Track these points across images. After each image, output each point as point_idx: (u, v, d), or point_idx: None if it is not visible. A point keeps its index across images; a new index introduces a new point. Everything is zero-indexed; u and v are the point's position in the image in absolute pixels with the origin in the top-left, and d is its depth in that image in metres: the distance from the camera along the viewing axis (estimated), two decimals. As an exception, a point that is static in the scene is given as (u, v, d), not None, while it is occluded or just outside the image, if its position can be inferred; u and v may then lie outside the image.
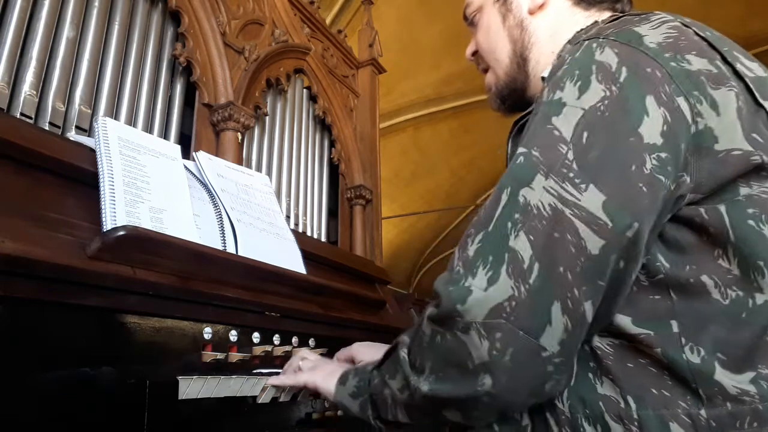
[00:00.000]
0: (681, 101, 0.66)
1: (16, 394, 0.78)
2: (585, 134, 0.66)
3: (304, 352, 1.15)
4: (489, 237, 0.66)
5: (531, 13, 0.96)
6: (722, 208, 0.66)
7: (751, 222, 0.65)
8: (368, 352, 1.12)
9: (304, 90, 2.23)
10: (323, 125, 2.30)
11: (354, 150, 2.38)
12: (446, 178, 8.55)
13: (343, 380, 0.91)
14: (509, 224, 0.65)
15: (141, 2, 1.53)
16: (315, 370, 1.01)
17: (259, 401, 1.04)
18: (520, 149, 0.71)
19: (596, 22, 0.88)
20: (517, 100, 1.01)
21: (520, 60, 0.97)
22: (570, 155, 0.65)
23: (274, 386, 1.07)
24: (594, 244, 0.62)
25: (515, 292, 0.62)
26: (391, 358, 0.81)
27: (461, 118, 7.34)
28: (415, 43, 6.08)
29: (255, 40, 1.89)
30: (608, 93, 0.67)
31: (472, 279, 0.64)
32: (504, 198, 0.68)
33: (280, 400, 1.09)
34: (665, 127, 0.65)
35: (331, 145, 2.33)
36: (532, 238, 0.63)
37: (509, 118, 1.00)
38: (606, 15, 0.90)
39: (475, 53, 1.07)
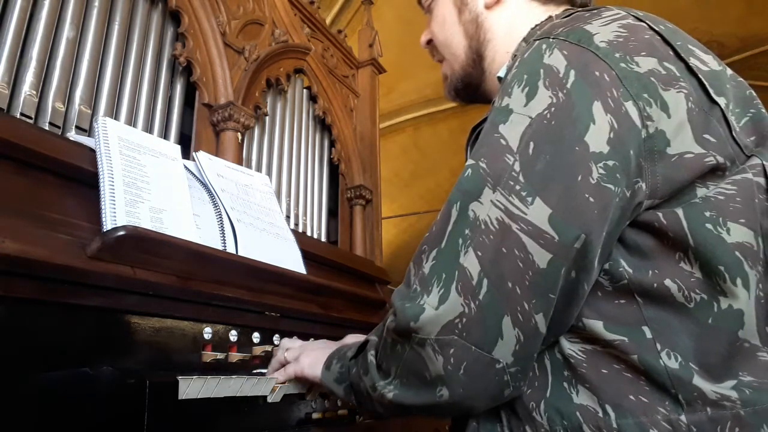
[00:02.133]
0: (629, 105, 0.64)
1: (16, 393, 0.78)
2: (531, 144, 0.64)
3: (284, 342, 1.14)
4: (442, 254, 0.67)
5: (488, 7, 0.92)
6: (679, 212, 0.64)
7: (708, 225, 0.64)
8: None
9: (304, 90, 2.23)
10: (323, 125, 2.30)
11: (354, 150, 2.38)
12: (446, 178, 8.54)
13: (327, 365, 0.93)
14: (460, 240, 0.65)
15: (141, 2, 1.53)
16: (299, 360, 1.02)
17: (270, 400, 1.04)
18: (469, 161, 0.70)
19: (550, 17, 0.85)
20: (471, 93, 0.99)
21: (476, 56, 0.94)
22: (516, 167, 0.64)
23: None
24: (541, 257, 0.62)
25: (465, 308, 0.63)
26: (362, 355, 0.83)
27: (461, 118, 7.34)
28: (415, 43, 6.04)
29: (255, 40, 1.89)
30: (555, 100, 0.65)
31: (427, 297, 0.65)
32: (454, 213, 0.67)
33: (288, 393, 1.09)
34: (612, 134, 0.63)
35: (331, 145, 2.33)
36: (480, 253, 0.64)
37: (466, 107, 1.00)
38: (561, 9, 0.87)
39: (429, 42, 1.04)
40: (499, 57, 0.92)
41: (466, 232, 0.65)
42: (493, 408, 0.73)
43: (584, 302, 0.67)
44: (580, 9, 0.79)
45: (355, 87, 2.58)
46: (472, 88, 0.98)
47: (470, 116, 7.26)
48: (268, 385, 1.03)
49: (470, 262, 0.64)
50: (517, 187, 0.64)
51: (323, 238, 2.14)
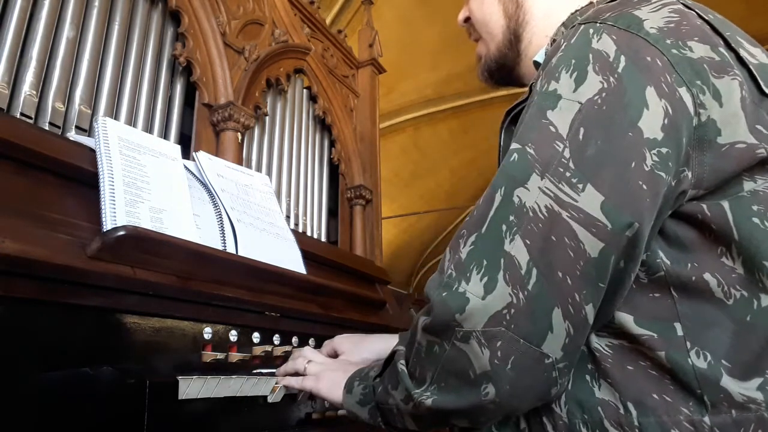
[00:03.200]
0: (683, 91, 0.62)
1: (16, 394, 0.78)
2: (582, 130, 0.62)
3: (307, 351, 1.11)
4: (482, 239, 0.64)
5: None
6: (725, 205, 0.63)
7: (755, 219, 0.62)
8: (349, 344, 1.13)
9: (304, 90, 2.23)
10: (323, 125, 2.30)
11: (354, 150, 2.38)
12: (446, 178, 8.55)
13: (349, 388, 0.89)
14: (504, 227, 0.63)
15: (141, 2, 1.53)
16: (320, 379, 0.98)
17: (270, 400, 1.04)
18: (514, 145, 0.67)
19: (592, 2, 0.84)
20: (504, 75, 0.98)
21: (513, 38, 0.93)
22: (566, 153, 0.62)
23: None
24: (593, 246, 0.60)
25: (514, 299, 0.60)
26: (390, 369, 0.79)
27: (461, 118, 7.35)
28: (415, 43, 6.07)
29: (255, 40, 1.89)
30: (606, 85, 0.63)
31: (466, 284, 0.62)
32: (498, 198, 0.65)
33: (299, 397, 1.08)
34: (666, 120, 0.61)
35: (331, 145, 2.33)
36: (528, 242, 0.61)
37: (495, 89, 0.98)
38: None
39: (467, 20, 1.02)
40: (536, 40, 0.91)
41: (511, 218, 0.63)
42: None
43: None
44: None
45: (355, 87, 2.58)
46: (506, 70, 0.97)
47: (470, 116, 7.27)
48: (268, 385, 1.03)
49: (518, 250, 0.61)
50: (567, 174, 0.61)
51: (323, 238, 2.14)
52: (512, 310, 0.60)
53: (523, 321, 0.60)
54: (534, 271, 0.60)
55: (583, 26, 0.69)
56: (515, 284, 0.60)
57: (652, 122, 0.61)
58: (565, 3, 0.87)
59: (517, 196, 0.63)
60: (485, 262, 0.62)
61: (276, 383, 1.04)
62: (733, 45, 0.68)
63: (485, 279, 0.62)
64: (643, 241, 0.62)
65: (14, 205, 0.90)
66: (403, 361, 0.75)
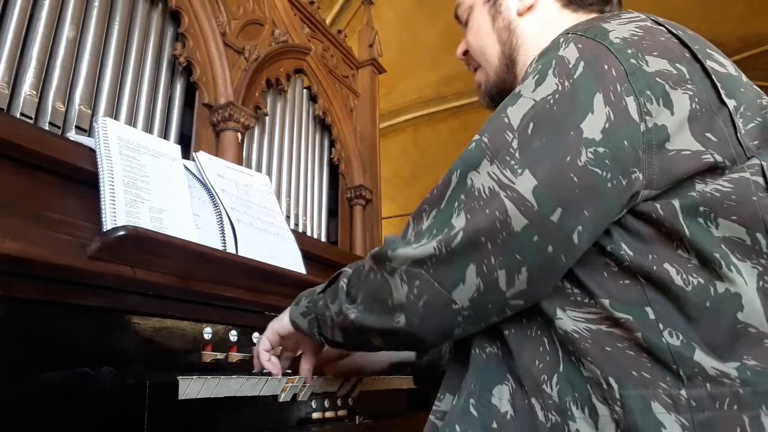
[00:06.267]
0: (630, 100, 0.68)
1: (16, 393, 0.78)
2: (531, 125, 0.70)
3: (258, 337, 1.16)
4: (441, 214, 0.74)
5: (520, 14, 0.98)
6: (676, 204, 0.68)
7: (700, 220, 0.68)
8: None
9: (304, 90, 2.23)
10: (323, 125, 2.30)
11: (354, 150, 2.38)
12: (446, 178, 8.55)
13: (296, 302, 1.00)
14: (456, 204, 0.73)
15: (141, 2, 1.53)
16: (280, 317, 1.07)
17: (280, 400, 1.05)
18: (475, 136, 0.76)
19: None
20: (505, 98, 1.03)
21: (509, 62, 1.00)
22: (515, 144, 0.70)
23: (274, 374, 1.07)
24: (518, 222, 0.67)
25: (437, 252, 0.71)
26: (333, 286, 0.90)
27: (461, 118, 7.34)
28: (415, 43, 6.07)
29: (255, 40, 1.90)
30: (560, 87, 0.71)
31: (416, 244, 0.74)
32: (454, 179, 0.74)
33: (300, 397, 1.09)
34: (607, 125, 0.68)
35: (331, 145, 2.33)
36: (468, 216, 0.71)
37: (466, 107, 1.05)
38: (591, 16, 0.92)
39: (466, 53, 1.10)
40: (530, 61, 0.95)
41: (462, 197, 0.72)
42: (497, 375, 0.77)
43: (593, 281, 0.71)
44: (606, 14, 0.85)
45: (355, 87, 2.58)
46: (506, 93, 1.02)
47: (470, 116, 7.26)
48: (268, 385, 1.03)
49: (458, 221, 0.71)
50: (512, 162, 0.70)
51: (323, 238, 2.14)
52: (434, 259, 0.71)
53: (441, 269, 0.71)
54: (461, 234, 0.70)
55: (558, 38, 0.77)
56: (442, 242, 0.71)
57: (593, 125, 0.68)
58: (557, 25, 0.93)
59: (470, 178, 0.73)
60: (435, 231, 0.73)
61: (286, 383, 1.05)
62: (699, 57, 0.74)
63: (425, 240, 0.73)
64: (570, 228, 0.67)
65: (14, 205, 0.90)
66: (345, 280, 0.87)
